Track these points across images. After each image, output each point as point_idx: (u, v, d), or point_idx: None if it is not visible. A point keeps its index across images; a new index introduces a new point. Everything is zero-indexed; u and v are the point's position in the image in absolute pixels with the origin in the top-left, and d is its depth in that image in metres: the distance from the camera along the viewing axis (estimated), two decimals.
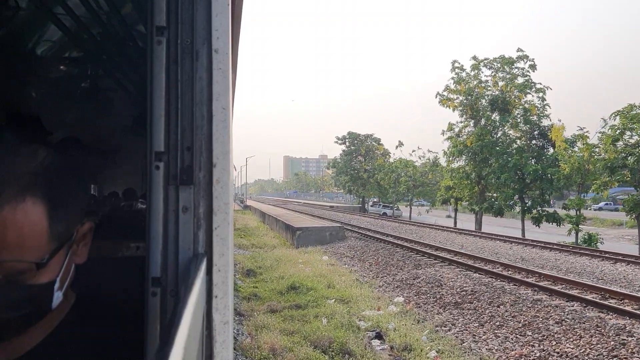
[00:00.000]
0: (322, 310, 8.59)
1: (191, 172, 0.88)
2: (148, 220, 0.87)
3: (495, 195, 31.07)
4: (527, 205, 28.95)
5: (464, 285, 10.88)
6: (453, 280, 11.41)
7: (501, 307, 9.14)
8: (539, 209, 28.29)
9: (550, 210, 28.72)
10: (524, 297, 9.69)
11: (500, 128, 31.13)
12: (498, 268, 12.97)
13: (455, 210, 36.78)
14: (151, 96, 0.88)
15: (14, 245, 0.72)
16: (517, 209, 30.39)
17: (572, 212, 25.12)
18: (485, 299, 9.73)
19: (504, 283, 11.06)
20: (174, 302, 0.84)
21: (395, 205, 51.52)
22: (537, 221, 28.11)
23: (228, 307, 0.88)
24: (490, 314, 8.78)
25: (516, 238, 22.42)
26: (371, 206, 56.74)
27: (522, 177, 28.83)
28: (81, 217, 0.85)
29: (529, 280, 11.18)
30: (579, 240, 23.92)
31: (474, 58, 32.03)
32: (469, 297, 9.93)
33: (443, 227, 30.37)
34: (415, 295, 10.41)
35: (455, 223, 35.46)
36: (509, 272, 12.31)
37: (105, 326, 0.89)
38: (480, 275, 12.00)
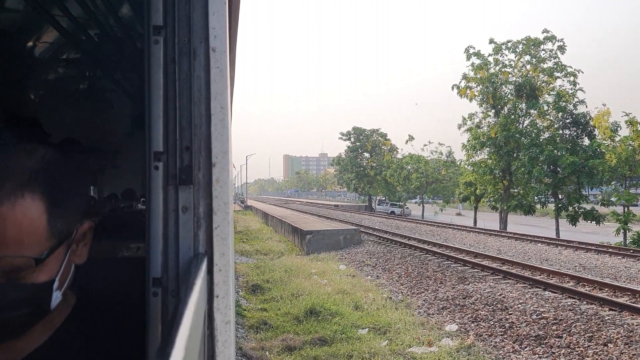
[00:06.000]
0: (354, 346, 6.85)
1: (190, 172, 0.88)
2: (148, 221, 0.87)
3: (522, 191, 28.52)
4: (562, 202, 26.46)
5: (539, 309, 8.54)
6: (520, 301, 9.12)
7: (610, 345, 6.81)
8: (575, 205, 25.76)
9: (587, 206, 26.14)
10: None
11: (527, 116, 28.67)
12: (569, 283, 10.68)
13: (476, 209, 34.56)
14: (149, 96, 0.88)
15: (13, 241, 0.73)
16: (550, 206, 27.85)
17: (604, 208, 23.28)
18: (579, 331, 7.38)
19: (594, 306, 8.62)
20: (175, 302, 0.84)
21: (404, 204, 50.68)
22: (573, 219, 25.67)
23: (229, 306, 0.88)
24: (597, 358, 6.48)
25: (554, 239, 20.68)
26: (378, 204, 55.77)
27: (555, 171, 26.41)
28: (81, 216, 0.85)
29: (621, 300, 8.86)
30: (627, 241, 21.77)
31: (493, 41, 29.51)
32: (554, 327, 7.62)
33: (465, 228, 27.77)
34: (473, 322, 8.23)
35: (475, 222, 33.54)
36: (587, 289, 9.93)
37: (106, 327, 0.89)
38: (555, 294, 9.57)
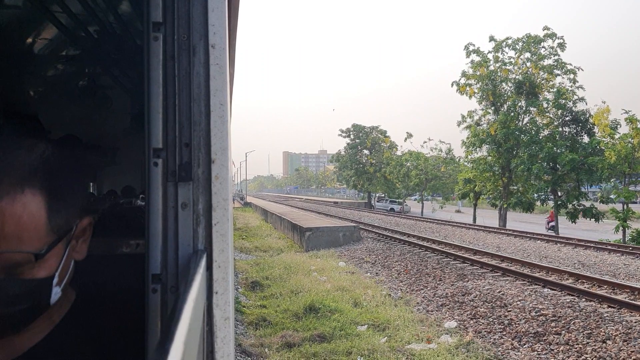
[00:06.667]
0: (354, 343, 6.87)
1: (190, 168, 0.88)
2: (147, 217, 0.87)
3: (521, 188, 28.38)
4: (562, 199, 26.27)
5: (538, 306, 8.56)
6: (519, 298, 9.13)
7: (609, 342, 6.84)
8: (574, 203, 25.64)
9: (587, 204, 26.02)
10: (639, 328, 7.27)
11: (526, 114, 28.51)
12: (568, 280, 10.64)
13: (475, 206, 34.54)
14: (148, 93, 0.88)
15: (13, 237, 0.73)
16: (550, 203, 27.52)
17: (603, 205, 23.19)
18: (578, 328, 7.41)
19: (593, 303, 8.66)
20: (174, 299, 0.84)
21: (404, 201, 50.66)
22: (572, 217, 25.51)
23: (229, 303, 0.88)
24: (596, 355, 6.46)
25: (553, 236, 20.65)
26: (377, 201, 55.48)
27: (555, 168, 26.10)
28: (80, 213, 0.86)
29: (620, 297, 8.86)
30: (626, 239, 21.65)
31: (493, 39, 29.23)
32: (553, 324, 7.65)
33: (464, 225, 27.76)
34: (472, 319, 8.26)
35: (474, 219, 33.51)
36: (586, 286, 9.96)
37: (105, 323, 0.89)
38: (554, 292, 9.59)
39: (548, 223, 28.40)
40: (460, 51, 30.33)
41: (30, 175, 0.76)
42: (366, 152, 56.68)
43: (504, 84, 29.16)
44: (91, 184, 5.74)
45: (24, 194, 0.74)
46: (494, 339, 7.30)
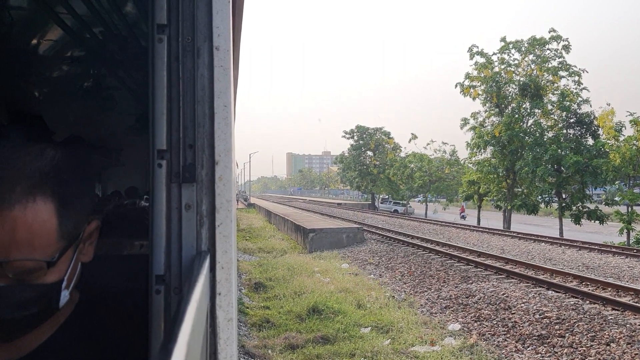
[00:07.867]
0: (357, 345, 6.85)
1: (194, 170, 0.88)
2: (151, 218, 0.87)
3: (526, 190, 28.40)
4: (566, 201, 26.38)
5: (542, 308, 8.50)
6: (523, 300, 9.07)
7: (613, 345, 6.81)
8: (578, 205, 25.69)
9: (591, 206, 26.13)
10: None
11: (531, 116, 28.52)
12: (572, 282, 10.62)
13: (479, 207, 34.53)
14: (153, 94, 0.89)
15: (25, 244, 0.73)
16: (554, 205, 27.76)
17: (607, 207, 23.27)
18: (582, 331, 7.36)
19: (597, 306, 8.61)
20: (178, 300, 0.84)
21: (407, 202, 50.56)
22: (576, 219, 25.56)
23: (232, 304, 0.88)
24: (600, 358, 6.48)
25: (558, 239, 20.63)
26: (381, 203, 55.36)
27: (559, 170, 26.15)
28: (88, 216, 0.86)
29: (624, 300, 8.82)
30: (631, 241, 21.72)
31: (504, 40, 29.19)
32: (557, 327, 7.60)
33: (468, 227, 27.66)
34: (476, 321, 8.22)
35: (478, 221, 33.38)
36: (590, 289, 9.93)
37: (109, 324, 0.90)
38: (558, 294, 9.57)
39: (460, 213, 37.10)
40: (463, 48, 30.49)
41: (41, 182, 0.76)
42: (370, 153, 56.59)
43: (508, 86, 29.10)
44: (96, 184, 5.76)
45: (36, 202, 0.74)
46: (498, 341, 7.27)
